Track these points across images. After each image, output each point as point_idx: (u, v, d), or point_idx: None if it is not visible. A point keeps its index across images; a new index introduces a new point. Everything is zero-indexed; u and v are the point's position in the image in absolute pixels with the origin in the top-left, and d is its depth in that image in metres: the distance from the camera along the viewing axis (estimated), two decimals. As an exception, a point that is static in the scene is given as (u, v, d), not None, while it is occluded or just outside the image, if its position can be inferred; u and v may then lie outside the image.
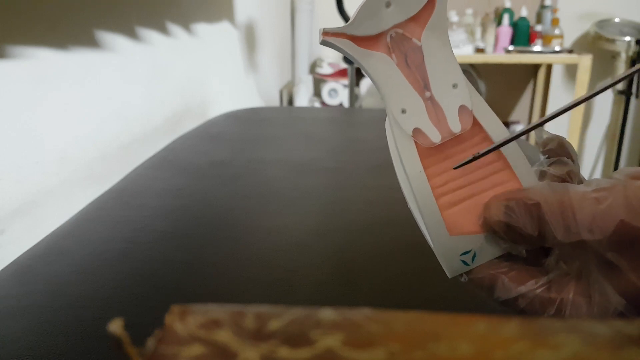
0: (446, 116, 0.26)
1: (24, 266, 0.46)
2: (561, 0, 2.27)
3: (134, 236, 0.50)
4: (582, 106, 2.01)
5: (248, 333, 0.13)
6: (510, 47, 2.08)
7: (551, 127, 2.37)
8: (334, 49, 0.25)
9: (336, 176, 0.68)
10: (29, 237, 0.53)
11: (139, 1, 0.88)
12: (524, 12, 2.12)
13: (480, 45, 2.12)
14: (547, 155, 0.27)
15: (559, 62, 2.19)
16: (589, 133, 2.45)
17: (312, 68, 2.27)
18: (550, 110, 2.38)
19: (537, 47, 2.08)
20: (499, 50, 2.11)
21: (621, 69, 2.10)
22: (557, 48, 2.06)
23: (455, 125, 0.26)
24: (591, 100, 2.37)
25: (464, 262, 0.25)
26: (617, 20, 2.16)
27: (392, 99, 0.26)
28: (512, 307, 0.24)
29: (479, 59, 2.08)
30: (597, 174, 2.49)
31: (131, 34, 0.84)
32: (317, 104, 2.17)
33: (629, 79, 2.05)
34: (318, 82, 2.23)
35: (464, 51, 2.06)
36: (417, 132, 0.26)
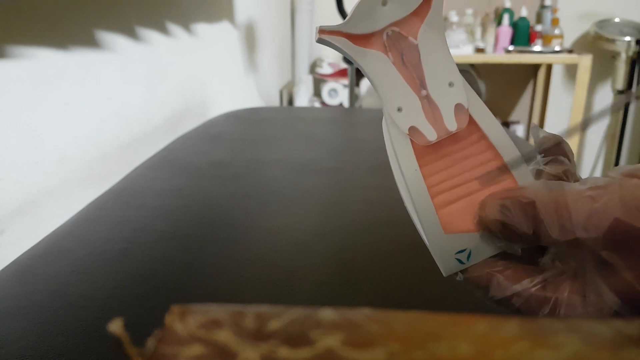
0: (442, 115, 0.26)
1: (24, 266, 0.46)
2: (561, 0, 2.27)
3: (134, 236, 0.50)
4: (582, 106, 2.01)
5: (248, 333, 0.13)
6: (510, 47, 2.08)
7: (551, 127, 2.37)
8: (331, 47, 0.26)
9: (336, 176, 0.68)
10: (29, 237, 0.53)
11: (139, 1, 0.88)
12: (524, 12, 2.12)
13: (480, 45, 2.12)
14: (543, 154, 0.27)
15: (559, 62, 2.19)
16: (589, 133, 2.45)
17: (312, 68, 2.27)
18: (551, 110, 2.38)
19: (537, 47, 2.08)
20: (499, 50, 2.11)
21: (621, 69, 2.10)
22: (557, 48, 2.06)
23: (452, 124, 0.26)
24: (591, 100, 2.37)
25: (460, 261, 0.25)
26: (617, 20, 2.16)
27: (388, 97, 0.26)
28: (507, 306, 0.24)
29: (479, 59, 2.08)
30: (597, 174, 2.48)
31: (131, 34, 0.84)
32: (317, 104, 2.17)
33: (628, 78, 2.05)
34: (318, 82, 2.23)
35: (464, 51, 2.06)
36: (413, 130, 0.26)
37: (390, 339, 0.12)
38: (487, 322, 0.13)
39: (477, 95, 0.26)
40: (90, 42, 0.73)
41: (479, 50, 2.11)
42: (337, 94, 2.12)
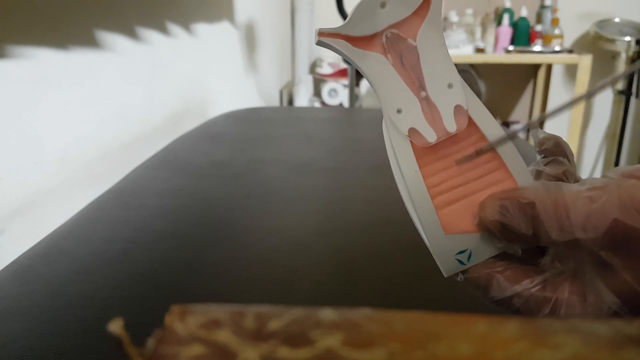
0: (442, 116, 0.26)
1: (24, 266, 0.46)
2: (561, 0, 2.27)
3: (134, 236, 0.50)
4: (581, 106, 2.01)
5: (248, 333, 0.13)
6: (510, 47, 2.08)
7: (551, 127, 2.37)
8: (330, 49, 0.26)
9: (336, 176, 0.68)
10: (29, 237, 0.53)
11: (139, 1, 0.88)
12: (524, 12, 2.12)
13: (480, 45, 2.12)
14: (543, 155, 0.27)
15: (559, 62, 2.19)
16: (589, 133, 2.45)
17: (312, 68, 2.27)
18: (550, 109, 2.38)
19: (537, 47, 2.08)
20: (499, 50, 2.11)
21: (621, 69, 2.10)
22: (557, 48, 2.06)
23: (451, 125, 0.26)
24: (591, 100, 2.37)
25: (460, 262, 0.25)
26: (617, 20, 2.16)
27: (388, 99, 0.26)
28: (507, 307, 0.24)
29: (479, 59, 2.08)
30: (597, 174, 2.48)
31: (131, 34, 0.84)
32: (317, 104, 2.17)
33: (628, 78, 2.05)
34: (318, 82, 2.23)
35: (464, 51, 2.06)
36: (412, 131, 0.26)
37: (390, 339, 0.12)
38: (487, 322, 0.13)
39: (476, 97, 0.26)
40: (90, 42, 0.73)
41: (479, 50, 2.11)
42: (337, 94, 2.12)
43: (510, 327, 0.13)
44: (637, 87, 2.10)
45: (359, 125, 1.04)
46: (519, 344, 0.12)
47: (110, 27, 0.78)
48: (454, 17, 2.12)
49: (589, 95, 0.22)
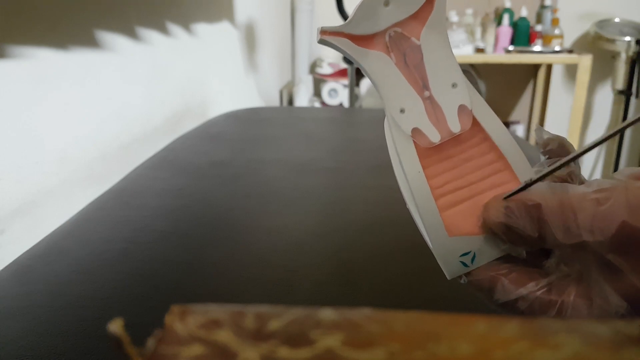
0: (445, 116, 0.26)
1: (24, 266, 0.46)
2: (561, 0, 2.27)
3: (134, 236, 0.50)
4: (582, 106, 2.01)
5: (248, 333, 0.13)
6: (510, 47, 2.08)
7: (551, 127, 2.37)
8: (332, 48, 0.25)
9: (336, 176, 0.68)
10: (29, 237, 0.53)
11: (139, 1, 0.88)
12: (524, 12, 2.12)
13: (480, 45, 2.12)
14: (547, 156, 0.26)
15: (559, 62, 2.19)
16: (589, 133, 2.45)
17: (312, 68, 2.27)
18: (551, 110, 2.38)
19: (537, 47, 2.08)
20: (499, 50, 2.11)
21: (621, 69, 2.10)
22: (557, 48, 2.06)
23: (455, 125, 0.25)
24: (591, 100, 2.37)
25: (463, 264, 0.25)
26: (617, 20, 2.16)
27: (391, 98, 0.26)
28: (512, 310, 0.24)
29: (479, 59, 2.08)
30: (597, 175, 2.48)
31: (131, 34, 0.84)
32: (317, 104, 2.17)
33: (628, 78, 2.05)
34: (318, 82, 2.23)
35: (464, 51, 2.06)
36: (416, 131, 0.25)
37: (390, 339, 0.12)
38: (487, 322, 0.13)
39: (480, 96, 0.26)
40: (90, 42, 0.73)
41: (479, 50, 2.11)
42: (337, 94, 2.12)
43: (510, 327, 0.13)
44: (637, 87, 2.10)
45: (359, 125, 1.04)
46: (519, 344, 0.12)
47: (110, 27, 0.78)
48: (454, 17, 2.12)
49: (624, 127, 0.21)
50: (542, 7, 2.17)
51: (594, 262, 0.22)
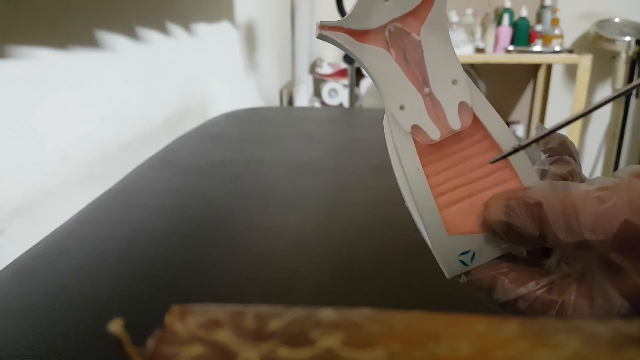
0: (445, 113, 0.25)
1: (24, 266, 0.46)
2: (561, 0, 2.27)
3: (134, 236, 0.50)
4: (582, 106, 2.01)
5: (248, 333, 0.13)
6: (510, 47, 2.08)
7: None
8: (331, 43, 0.25)
9: (336, 176, 0.68)
10: (29, 237, 0.53)
11: (139, 1, 0.88)
12: (524, 12, 2.12)
13: (480, 45, 2.12)
14: (548, 154, 0.26)
15: (559, 62, 2.19)
16: (589, 133, 2.45)
17: (312, 68, 2.27)
18: (551, 110, 2.38)
19: (537, 47, 2.08)
20: (499, 50, 2.11)
21: (621, 69, 2.10)
22: (557, 48, 2.06)
23: (455, 122, 0.25)
24: (591, 100, 2.37)
25: (463, 263, 0.25)
26: (617, 20, 2.16)
27: (390, 94, 0.25)
28: (512, 310, 0.23)
29: (479, 59, 2.08)
30: (597, 174, 2.48)
31: (131, 34, 0.84)
32: (317, 104, 2.17)
33: (628, 78, 2.05)
34: (318, 82, 2.23)
35: (464, 51, 2.06)
36: (415, 128, 0.25)
37: (390, 339, 0.12)
38: (487, 322, 0.13)
39: (481, 93, 0.26)
40: (90, 42, 0.73)
41: (479, 50, 2.11)
42: (337, 94, 2.12)
43: (510, 327, 0.13)
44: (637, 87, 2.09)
45: (359, 125, 1.04)
46: (519, 344, 0.12)
47: (110, 27, 0.78)
48: (454, 17, 2.12)
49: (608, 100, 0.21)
50: (542, 7, 2.17)
51: (595, 261, 0.21)
